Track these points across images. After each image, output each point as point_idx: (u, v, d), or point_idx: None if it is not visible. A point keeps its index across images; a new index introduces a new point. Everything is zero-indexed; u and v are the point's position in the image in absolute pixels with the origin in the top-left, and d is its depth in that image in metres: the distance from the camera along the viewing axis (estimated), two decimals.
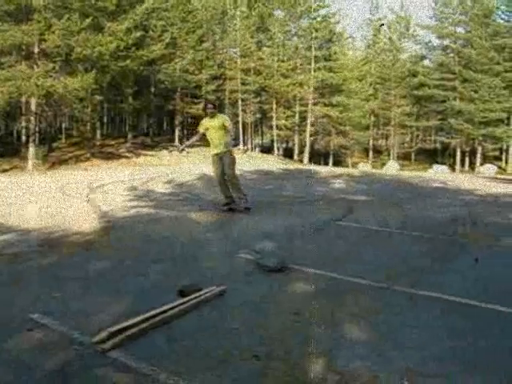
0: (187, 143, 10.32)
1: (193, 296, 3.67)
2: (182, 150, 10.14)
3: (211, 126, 8.94)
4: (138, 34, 28.49)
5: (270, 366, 2.67)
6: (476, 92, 42.86)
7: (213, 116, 9.00)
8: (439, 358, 2.89)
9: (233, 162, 9.02)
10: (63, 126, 40.73)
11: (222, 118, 9.09)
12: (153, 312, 3.30)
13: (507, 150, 46.54)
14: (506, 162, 45.84)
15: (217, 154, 8.99)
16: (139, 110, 38.55)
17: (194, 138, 9.62)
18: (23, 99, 26.12)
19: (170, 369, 2.60)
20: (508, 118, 45.06)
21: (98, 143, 33.32)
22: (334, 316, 3.50)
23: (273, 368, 2.65)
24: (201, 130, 9.15)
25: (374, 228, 7.54)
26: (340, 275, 4.53)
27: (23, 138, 28.61)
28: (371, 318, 3.47)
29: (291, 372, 2.61)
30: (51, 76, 23.54)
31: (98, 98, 27.55)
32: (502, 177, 25.44)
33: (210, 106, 9.41)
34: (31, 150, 25.18)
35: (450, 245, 6.32)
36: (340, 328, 3.31)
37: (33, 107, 25.29)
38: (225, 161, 8.94)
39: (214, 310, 3.56)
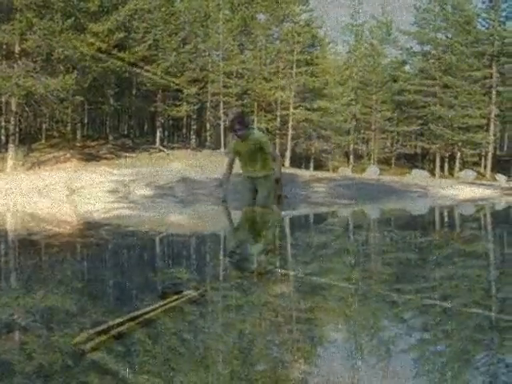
0: (224, 184, 7.71)
1: (174, 298, 3.66)
2: (224, 201, 7.78)
3: (243, 150, 7.16)
4: (121, 35, 28.41)
5: (251, 367, 2.67)
6: (456, 98, 43.42)
7: (244, 138, 6.99)
8: (421, 358, 2.91)
9: (270, 194, 7.16)
10: (43, 126, 40.37)
11: (259, 138, 7.09)
12: (133, 313, 3.28)
13: (486, 156, 47.09)
14: (485, 168, 46.36)
15: (249, 178, 7.42)
16: (120, 111, 38.38)
17: (228, 169, 7.54)
18: (3, 99, 25.91)
19: (149, 370, 2.59)
20: (487, 124, 45.64)
21: (78, 144, 33.08)
22: (315, 317, 3.51)
23: (253, 369, 2.65)
24: (231, 156, 7.49)
25: (355, 230, 7.58)
26: (321, 277, 4.55)
27: (3, 138, 28.33)
28: (353, 320, 3.49)
29: (272, 374, 2.62)
30: (32, 76, 23.36)
31: (79, 98, 27.39)
32: (483, 182, 25.74)
33: (237, 126, 6.89)
34: (11, 150, 24.95)
35: (428, 246, 6.37)
36: (321, 329, 3.32)
37: (13, 107, 25.08)
38: (260, 194, 7.19)
39: (195, 311, 3.55)
